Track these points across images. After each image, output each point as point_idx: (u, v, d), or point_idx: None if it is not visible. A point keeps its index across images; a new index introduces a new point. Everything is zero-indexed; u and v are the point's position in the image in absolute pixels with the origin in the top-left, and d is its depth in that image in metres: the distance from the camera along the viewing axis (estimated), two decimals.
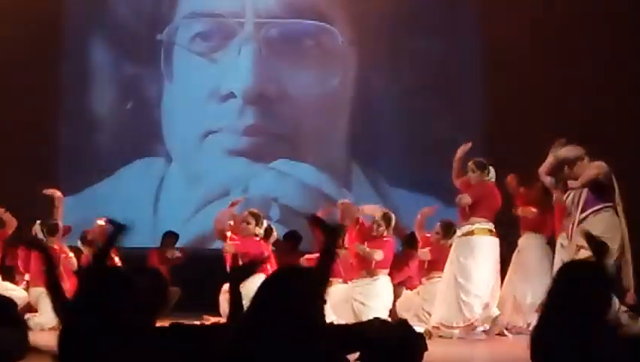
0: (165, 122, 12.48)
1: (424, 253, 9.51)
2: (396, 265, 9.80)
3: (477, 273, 8.66)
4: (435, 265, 9.38)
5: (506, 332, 8.82)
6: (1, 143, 11.90)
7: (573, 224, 7.98)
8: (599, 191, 7.94)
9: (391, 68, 12.40)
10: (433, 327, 8.69)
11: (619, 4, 11.83)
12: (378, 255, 9.21)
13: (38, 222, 10.00)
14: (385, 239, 9.41)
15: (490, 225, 8.80)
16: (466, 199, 8.77)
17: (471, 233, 8.75)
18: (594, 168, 8.01)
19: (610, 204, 7.92)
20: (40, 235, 9.82)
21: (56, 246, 9.66)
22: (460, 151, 9.07)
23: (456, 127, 11.98)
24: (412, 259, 10.00)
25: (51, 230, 9.92)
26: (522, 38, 11.84)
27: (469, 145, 9.11)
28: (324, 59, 12.60)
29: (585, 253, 7.81)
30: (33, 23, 12.09)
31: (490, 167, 9.00)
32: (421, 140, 12.15)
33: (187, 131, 12.42)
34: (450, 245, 9.13)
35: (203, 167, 12.34)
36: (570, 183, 8.12)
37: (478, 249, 8.71)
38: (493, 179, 9.01)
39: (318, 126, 12.47)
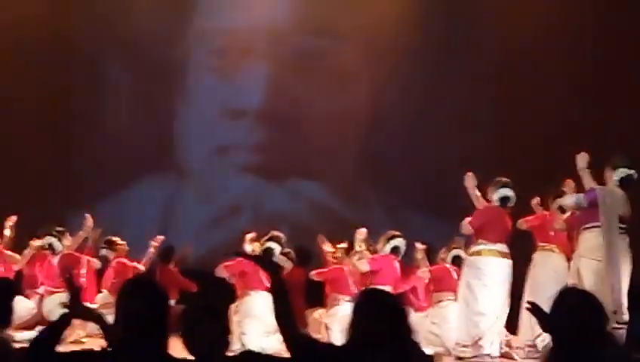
0: (177, 138, 12.49)
1: (423, 271, 9.55)
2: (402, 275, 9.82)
3: (482, 292, 8.64)
4: (443, 284, 9.37)
5: (514, 355, 8.76)
6: (12, 156, 11.92)
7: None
8: (584, 213, 8.07)
9: (404, 88, 12.40)
10: (454, 348, 8.73)
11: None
12: (364, 266, 9.36)
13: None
14: (378, 255, 9.50)
15: (499, 247, 8.76)
16: (465, 228, 8.80)
17: (478, 253, 8.75)
18: (564, 205, 8.26)
19: (594, 223, 7.93)
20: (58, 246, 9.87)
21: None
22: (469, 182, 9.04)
23: (470, 149, 11.98)
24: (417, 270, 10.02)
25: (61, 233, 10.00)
26: (536, 57, 11.86)
27: (470, 174, 9.06)
28: (338, 77, 12.60)
29: (589, 262, 7.86)
30: (46, 41, 12.14)
31: (500, 189, 8.92)
32: (434, 161, 12.14)
33: (199, 148, 12.42)
34: (456, 265, 9.37)
35: (214, 184, 12.33)
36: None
37: (482, 269, 8.69)
38: (496, 202, 8.92)
39: (330, 145, 12.45)
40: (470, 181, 8.99)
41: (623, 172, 8.10)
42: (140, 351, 3.46)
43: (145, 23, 12.69)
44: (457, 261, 9.56)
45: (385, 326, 3.29)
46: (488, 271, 8.71)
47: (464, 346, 8.69)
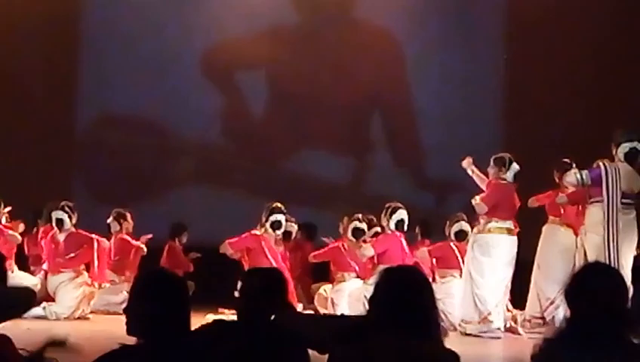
0: (179, 113, 12.46)
1: (422, 251, 9.48)
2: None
3: (490, 270, 8.64)
4: (444, 262, 9.35)
5: (520, 330, 8.77)
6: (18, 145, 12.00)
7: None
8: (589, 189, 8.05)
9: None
10: (459, 324, 8.72)
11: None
12: (368, 251, 9.22)
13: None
14: (381, 235, 9.39)
15: (508, 224, 8.75)
16: (481, 208, 8.73)
17: (487, 231, 8.72)
18: (565, 182, 8.24)
19: (598, 198, 7.91)
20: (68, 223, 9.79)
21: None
22: (466, 163, 9.01)
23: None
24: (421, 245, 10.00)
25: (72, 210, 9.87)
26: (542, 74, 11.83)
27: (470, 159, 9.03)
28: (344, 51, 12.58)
29: (592, 236, 7.87)
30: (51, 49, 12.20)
31: (512, 165, 8.88)
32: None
33: (202, 120, 12.44)
34: (459, 242, 9.34)
35: (218, 156, 12.35)
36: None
37: (492, 246, 8.68)
38: (510, 179, 8.89)
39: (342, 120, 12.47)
40: (468, 163, 8.96)
41: (625, 146, 8.05)
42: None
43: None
44: (461, 235, 9.48)
45: (410, 302, 3.26)
46: (499, 248, 8.69)
47: (468, 323, 8.67)
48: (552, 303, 8.78)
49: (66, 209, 9.77)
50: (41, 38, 12.22)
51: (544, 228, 9.19)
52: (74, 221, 9.81)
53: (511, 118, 12.01)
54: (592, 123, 11.41)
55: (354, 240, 9.74)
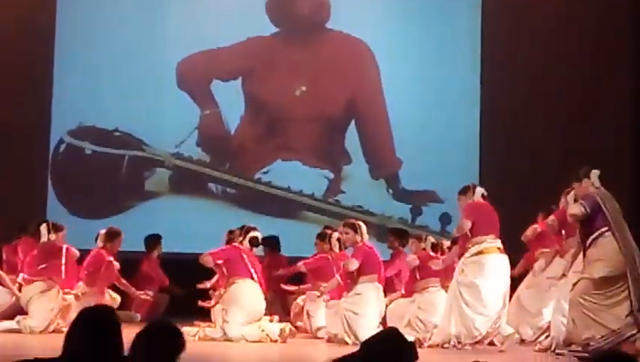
0: (154, 124, 12.42)
1: (413, 259, 9.38)
2: (387, 262, 9.72)
3: (487, 292, 8.52)
4: (427, 272, 9.27)
5: (495, 341, 8.73)
6: None
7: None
8: (587, 224, 7.76)
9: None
10: (442, 346, 8.58)
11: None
12: (353, 264, 9.04)
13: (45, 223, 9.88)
14: (358, 246, 9.23)
15: (498, 243, 8.69)
16: (465, 224, 8.65)
17: (480, 253, 8.60)
18: (570, 216, 7.88)
19: (606, 228, 7.75)
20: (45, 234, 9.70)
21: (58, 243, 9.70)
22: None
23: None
24: (401, 254, 9.99)
25: (56, 227, 9.78)
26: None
27: None
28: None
29: (598, 264, 7.73)
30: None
31: (477, 189, 8.87)
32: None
33: (177, 132, 12.41)
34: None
35: (194, 167, 12.33)
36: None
37: (487, 267, 8.57)
38: (480, 199, 8.88)
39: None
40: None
41: (595, 173, 7.96)
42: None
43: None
44: (435, 247, 9.50)
45: None
46: (492, 269, 8.55)
47: (461, 344, 8.55)
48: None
49: (50, 225, 9.75)
50: (14, 51, 12.17)
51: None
52: (52, 237, 9.72)
53: (486, 130, 12.05)
54: (569, 138, 11.53)
55: (337, 248, 9.78)
